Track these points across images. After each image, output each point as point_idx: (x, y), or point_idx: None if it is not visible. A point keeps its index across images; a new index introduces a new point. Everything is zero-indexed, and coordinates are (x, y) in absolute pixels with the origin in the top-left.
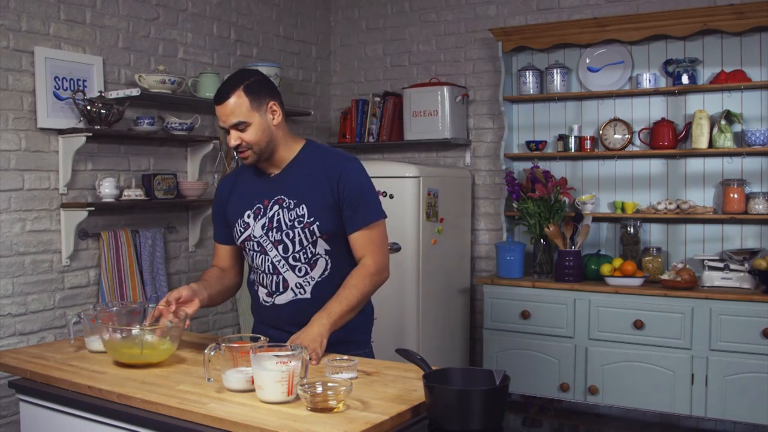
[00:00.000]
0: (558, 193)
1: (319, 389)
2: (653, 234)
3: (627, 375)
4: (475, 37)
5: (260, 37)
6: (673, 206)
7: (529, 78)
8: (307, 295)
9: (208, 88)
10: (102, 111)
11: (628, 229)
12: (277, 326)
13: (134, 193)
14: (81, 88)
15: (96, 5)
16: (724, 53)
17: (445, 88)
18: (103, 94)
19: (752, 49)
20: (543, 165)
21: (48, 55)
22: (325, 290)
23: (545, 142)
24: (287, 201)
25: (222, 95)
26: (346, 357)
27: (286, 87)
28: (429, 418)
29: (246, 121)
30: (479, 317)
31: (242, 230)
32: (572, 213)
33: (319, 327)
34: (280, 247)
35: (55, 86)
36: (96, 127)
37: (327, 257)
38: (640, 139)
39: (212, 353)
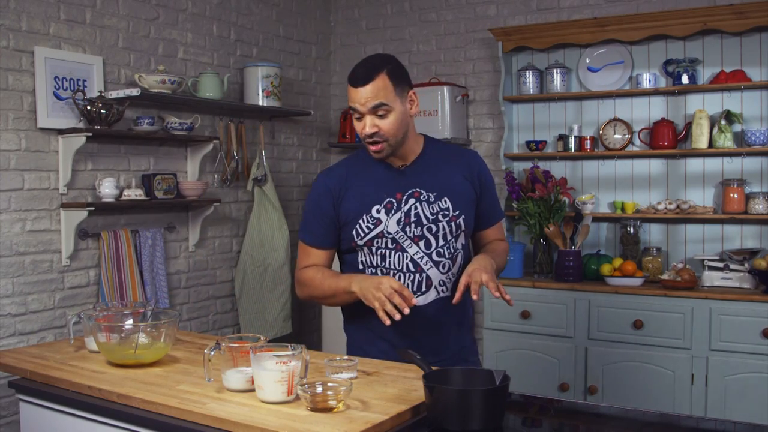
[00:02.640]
0: (558, 193)
1: (319, 389)
2: (653, 234)
3: (627, 375)
4: (475, 37)
5: (260, 37)
6: (673, 206)
7: (529, 78)
8: (449, 293)
9: (208, 88)
10: (102, 111)
11: (628, 229)
12: (413, 330)
13: (134, 193)
14: (81, 88)
15: (96, 5)
16: (724, 53)
17: (445, 88)
18: (103, 94)
19: (752, 49)
20: (543, 165)
21: (48, 55)
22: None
23: (545, 142)
24: (425, 194)
25: (363, 76)
26: (346, 357)
27: (286, 87)
28: (429, 418)
29: (388, 105)
30: (479, 317)
31: (371, 227)
32: (572, 213)
33: (489, 263)
34: (422, 243)
35: (55, 86)
36: (96, 127)
37: (462, 252)
38: (640, 139)
39: (212, 353)
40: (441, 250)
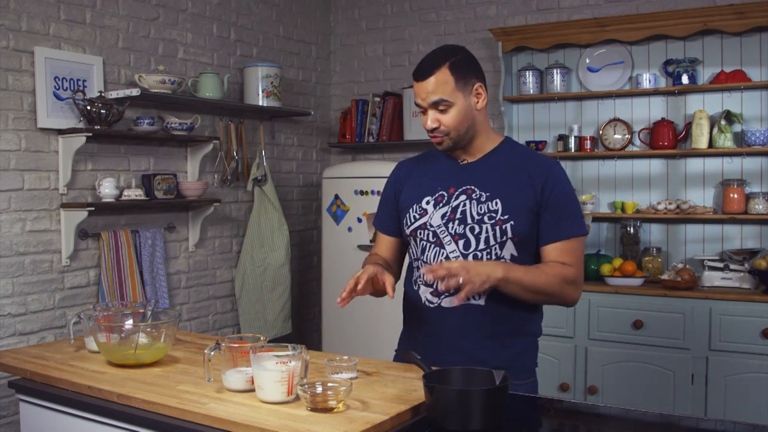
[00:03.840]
0: None
1: (319, 389)
2: (653, 234)
3: (627, 375)
4: (475, 37)
5: (260, 37)
6: (673, 206)
7: (529, 78)
8: (481, 302)
9: (208, 88)
10: (102, 111)
11: (628, 229)
12: (436, 333)
13: (134, 193)
14: (81, 88)
15: (96, 5)
16: (724, 53)
17: None
18: (103, 94)
19: (752, 49)
20: None
21: (48, 55)
22: (502, 299)
23: (545, 142)
24: (478, 192)
25: (425, 70)
26: (346, 357)
27: (286, 87)
28: (429, 418)
29: (449, 100)
30: None
31: (417, 216)
32: None
33: (492, 271)
34: (461, 242)
35: (55, 86)
36: (96, 127)
37: (511, 263)
38: (640, 139)
39: (212, 353)
40: (479, 254)
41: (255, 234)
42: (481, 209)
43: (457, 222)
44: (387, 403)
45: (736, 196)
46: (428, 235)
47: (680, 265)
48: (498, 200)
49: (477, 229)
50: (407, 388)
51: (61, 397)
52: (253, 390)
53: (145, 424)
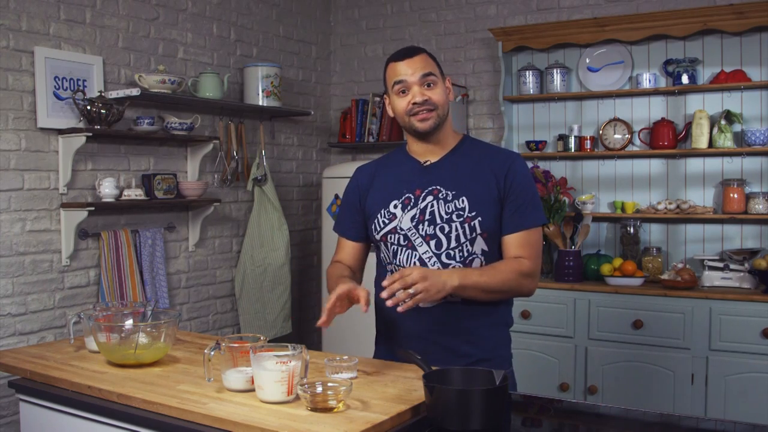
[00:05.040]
0: (558, 193)
1: (319, 389)
2: (653, 234)
3: (627, 375)
4: (475, 37)
5: (260, 37)
6: (673, 206)
7: (529, 78)
8: (458, 299)
9: (208, 88)
10: (102, 111)
11: (628, 229)
12: (419, 335)
13: (134, 193)
14: (81, 88)
15: (96, 5)
16: (724, 53)
17: None
18: (103, 94)
19: (752, 49)
20: (543, 165)
21: (48, 55)
22: None
23: (545, 142)
24: (444, 192)
25: (411, 51)
26: (346, 357)
27: (286, 87)
28: (429, 418)
29: (436, 76)
30: None
31: (386, 221)
32: (572, 213)
33: (448, 279)
34: (432, 243)
35: (55, 86)
36: (96, 127)
37: (482, 258)
38: (640, 139)
39: (212, 353)
40: (452, 252)
41: (255, 234)
42: (448, 208)
43: (426, 223)
44: (387, 403)
45: (736, 196)
46: (399, 238)
47: (680, 265)
48: (464, 198)
49: (447, 228)
50: (407, 388)
51: (61, 397)
52: (253, 390)
53: (145, 424)
